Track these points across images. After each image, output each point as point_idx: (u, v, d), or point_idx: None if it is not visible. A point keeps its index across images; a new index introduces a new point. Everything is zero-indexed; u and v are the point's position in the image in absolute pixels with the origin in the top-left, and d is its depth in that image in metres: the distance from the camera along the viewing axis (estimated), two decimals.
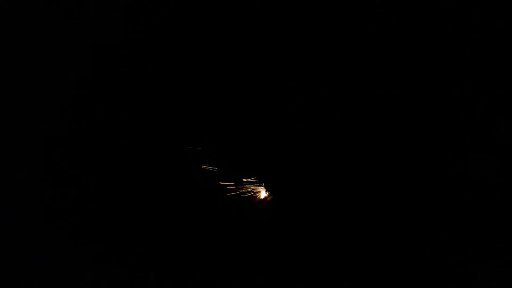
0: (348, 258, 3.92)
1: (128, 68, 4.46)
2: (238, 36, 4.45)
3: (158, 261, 3.97)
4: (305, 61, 4.35)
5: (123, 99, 4.45)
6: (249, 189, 4.24)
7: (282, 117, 4.30)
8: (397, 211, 4.00)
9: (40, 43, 4.52)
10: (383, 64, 4.23)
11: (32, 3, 4.53)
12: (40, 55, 4.50)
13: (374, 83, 4.21)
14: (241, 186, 4.20)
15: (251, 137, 4.34)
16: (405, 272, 3.82)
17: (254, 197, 4.20)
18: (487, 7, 4.06)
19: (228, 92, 4.42)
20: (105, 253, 3.96)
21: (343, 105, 4.24)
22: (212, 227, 4.09)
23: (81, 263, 3.86)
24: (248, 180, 4.24)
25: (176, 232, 4.07)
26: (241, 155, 4.33)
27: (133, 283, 3.87)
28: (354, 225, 4.01)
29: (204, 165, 4.29)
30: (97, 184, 4.27)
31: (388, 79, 4.21)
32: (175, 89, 4.48)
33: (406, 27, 4.19)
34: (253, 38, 4.43)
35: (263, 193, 4.22)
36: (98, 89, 4.49)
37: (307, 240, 4.01)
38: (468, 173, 4.00)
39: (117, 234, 4.07)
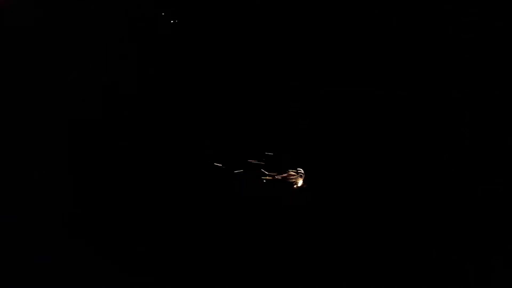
0: (348, 258, 3.93)
1: (128, 68, 4.46)
2: (238, 36, 4.45)
3: (158, 261, 3.96)
4: (305, 61, 4.35)
5: (123, 99, 4.45)
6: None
7: (282, 116, 4.31)
8: (397, 211, 4.01)
9: (40, 43, 4.52)
10: (383, 64, 4.23)
11: (32, 3, 4.53)
12: (40, 55, 4.50)
13: (374, 83, 4.21)
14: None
15: (251, 136, 4.34)
16: (405, 272, 3.82)
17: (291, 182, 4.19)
18: (487, 7, 4.07)
19: (228, 92, 4.43)
20: (105, 253, 3.96)
21: (343, 105, 4.24)
22: (211, 228, 4.09)
23: (81, 263, 3.86)
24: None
25: (176, 232, 4.07)
26: (241, 153, 4.33)
27: (133, 283, 3.86)
28: (355, 225, 4.01)
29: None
30: (97, 184, 4.27)
31: (388, 79, 4.21)
32: (175, 89, 4.48)
33: (406, 27, 4.19)
34: (253, 38, 4.43)
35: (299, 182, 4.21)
36: (97, 89, 4.49)
37: (306, 244, 4.02)
38: (468, 173, 4.00)
39: (117, 234, 4.07)
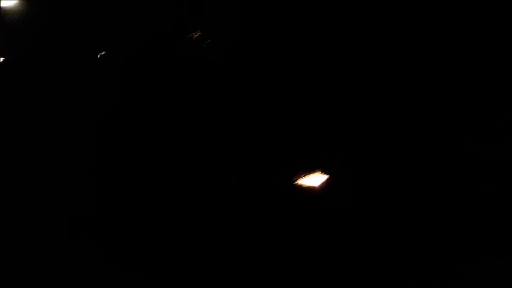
0: (348, 258, 3.93)
1: (130, 70, 4.48)
2: (239, 37, 4.46)
3: (158, 262, 3.97)
4: (305, 61, 4.36)
5: (123, 102, 4.47)
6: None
7: (283, 116, 4.31)
8: (397, 210, 4.01)
9: (44, 45, 4.54)
10: (383, 64, 4.23)
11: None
12: (45, 57, 4.53)
13: (374, 83, 4.21)
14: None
15: (251, 136, 4.35)
16: (406, 272, 3.82)
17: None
18: (487, 7, 4.07)
19: (228, 93, 4.44)
20: (105, 253, 3.97)
21: (344, 105, 4.24)
22: (212, 229, 4.10)
23: (81, 263, 3.87)
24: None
25: (177, 233, 4.08)
26: (242, 154, 4.34)
27: (133, 284, 3.87)
28: (355, 225, 4.01)
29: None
30: (97, 185, 4.28)
31: (388, 79, 4.21)
32: (176, 90, 4.50)
33: (406, 27, 4.20)
34: (254, 39, 4.44)
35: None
36: (97, 90, 4.50)
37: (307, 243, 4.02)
38: (468, 173, 4.00)
39: (117, 235, 4.08)
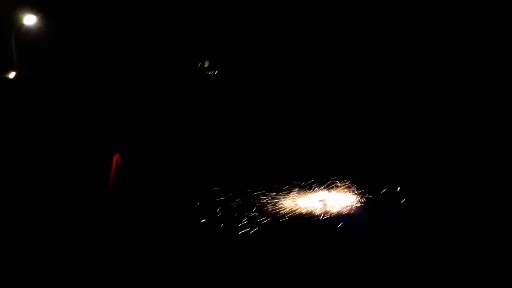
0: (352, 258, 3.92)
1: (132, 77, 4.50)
2: (240, 38, 4.47)
3: (158, 263, 3.97)
4: (305, 61, 4.37)
5: (123, 109, 4.49)
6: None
7: (282, 117, 4.32)
8: (397, 210, 4.01)
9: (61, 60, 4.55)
10: (384, 64, 4.25)
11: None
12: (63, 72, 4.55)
13: (374, 83, 4.23)
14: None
15: (250, 136, 4.35)
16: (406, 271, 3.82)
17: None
18: (487, 7, 4.08)
19: (227, 94, 4.45)
20: (105, 254, 3.97)
21: (343, 104, 4.25)
22: (212, 233, 4.09)
23: (81, 263, 3.86)
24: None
25: (176, 236, 4.08)
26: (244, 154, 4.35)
27: (133, 284, 3.86)
28: (353, 225, 4.00)
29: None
30: (98, 186, 4.28)
31: (388, 79, 4.22)
32: (176, 92, 4.51)
33: (406, 27, 4.21)
34: (254, 40, 4.45)
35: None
36: (99, 93, 4.51)
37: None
38: (468, 175, 4.00)
39: (117, 236, 4.07)
